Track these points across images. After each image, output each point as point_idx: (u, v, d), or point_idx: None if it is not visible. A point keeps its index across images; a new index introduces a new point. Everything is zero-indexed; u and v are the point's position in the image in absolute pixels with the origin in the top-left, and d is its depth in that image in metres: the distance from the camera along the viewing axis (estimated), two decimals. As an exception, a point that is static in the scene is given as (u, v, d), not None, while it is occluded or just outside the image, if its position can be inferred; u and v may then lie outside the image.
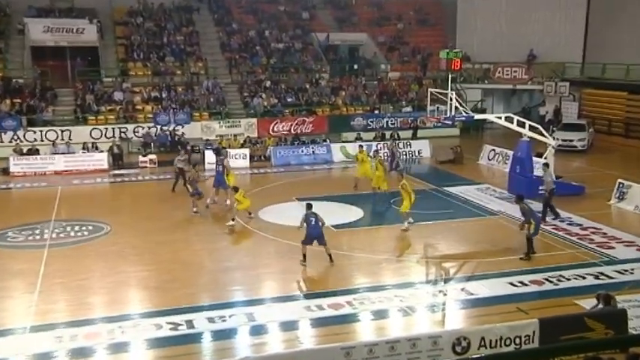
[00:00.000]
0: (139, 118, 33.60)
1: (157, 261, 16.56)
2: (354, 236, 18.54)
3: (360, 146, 27.41)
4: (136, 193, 24.88)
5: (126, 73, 36.30)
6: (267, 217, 20.41)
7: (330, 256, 16.12)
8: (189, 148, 30.96)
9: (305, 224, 16.08)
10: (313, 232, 15.98)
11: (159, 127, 32.86)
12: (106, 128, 32.23)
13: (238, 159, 29.07)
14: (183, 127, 33.13)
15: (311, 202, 17.02)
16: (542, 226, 17.65)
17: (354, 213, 20.80)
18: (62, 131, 31.29)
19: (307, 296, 14.22)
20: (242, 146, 28.24)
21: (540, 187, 20.75)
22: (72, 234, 18.88)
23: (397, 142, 29.07)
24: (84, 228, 19.41)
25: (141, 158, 29.63)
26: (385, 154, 24.81)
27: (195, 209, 20.98)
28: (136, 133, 32.66)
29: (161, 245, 17.75)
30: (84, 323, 12.94)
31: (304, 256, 16.02)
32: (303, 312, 13.35)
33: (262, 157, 30.79)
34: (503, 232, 18.71)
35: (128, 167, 29.05)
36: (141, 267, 16.19)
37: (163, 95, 34.91)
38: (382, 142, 31.75)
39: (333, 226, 19.25)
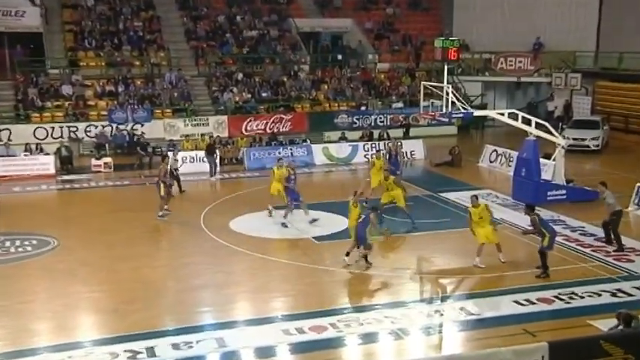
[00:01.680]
0: (92, 115, 33.41)
1: (113, 280, 16.44)
2: (339, 249, 18.53)
3: (378, 151, 26.65)
4: (88, 201, 24.70)
5: (75, 64, 36.08)
6: (240, 229, 20.37)
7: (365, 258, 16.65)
8: (150, 150, 30.90)
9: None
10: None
11: (114, 125, 32.71)
12: (53, 127, 32.01)
13: (193, 162, 28.64)
14: (142, 125, 33.00)
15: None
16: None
17: (338, 223, 20.80)
18: (0, 130, 30.99)
19: (286, 318, 14.19)
20: (209, 147, 28.07)
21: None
22: (12, 250, 18.69)
23: (398, 142, 28.80)
24: (26, 243, 19.21)
25: (94, 162, 29.46)
26: (384, 156, 24.43)
27: (163, 211, 21.50)
28: (88, 133, 32.50)
29: (118, 261, 17.63)
30: (26, 354, 12.76)
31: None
32: (281, 336, 13.33)
33: (234, 160, 30.73)
34: (507, 244, 18.79)
35: (79, 172, 28.85)
36: (94, 287, 16.05)
37: (120, 89, 34.74)
38: (370, 142, 31.87)
39: (314, 237, 19.27)
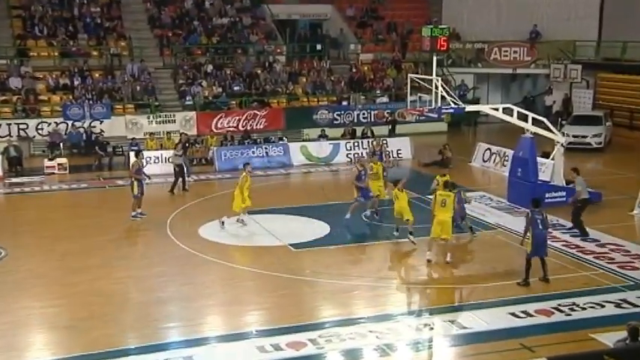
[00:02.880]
0: (44, 111, 33.21)
1: (68, 293, 16.30)
2: (319, 257, 18.53)
3: (374, 154, 25.62)
4: (40, 207, 24.49)
5: (25, 54, 35.81)
6: (210, 235, 20.30)
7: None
8: (109, 149, 30.73)
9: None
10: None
11: (70, 123, 32.51)
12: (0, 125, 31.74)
13: (158, 163, 28.64)
14: (101, 123, 32.82)
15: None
16: (551, 242, 17.95)
17: (319, 228, 20.82)
18: (-62, 128, 30.83)
19: (261, 333, 14.15)
20: (176, 147, 27.98)
21: (570, 198, 20.84)
22: (-43, 260, 18.50)
23: (383, 140, 28.81)
24: (-28, 252, 19.04)
25: (47, 163, 29.22)
26: (368, 155, 24.44)
27: (136, 212, 21.97)
28: (40, 131, 32.30)
29: (74, 273, 17.50)
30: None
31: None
32: (256, 353, 13.29)
33: (203, 161, 30.63)
34: (502, 251, 18.93)
35: (30, 174, 28.63)
36: (48, 301, 15.91)
37: (75, 83, 34.53)
38: (353, 141, 31.92)
39: (292, 245, 19.27)
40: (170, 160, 26.95)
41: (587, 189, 20.38)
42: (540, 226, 16.27)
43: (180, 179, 25.76)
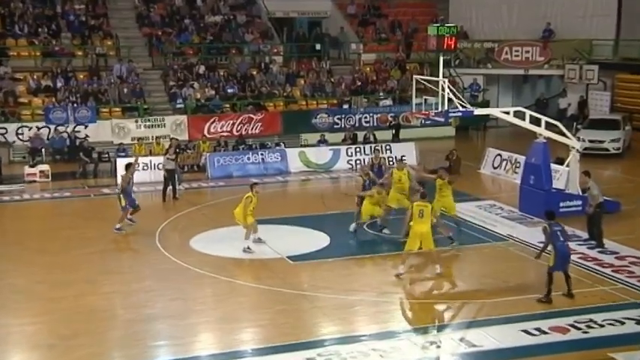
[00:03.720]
0: (25, 115, 33.25)
1: (51, 309, 16.25)
2: (318, 271, 18.50)
3: (400, 160, 25.11)
4: (20, 217, 24.48)
5: (4, 54, 35.85)
6: (202, 247, 20.26)
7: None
8: (94, 156, 30.70)
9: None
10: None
11: (52, 127, 32.51)
12: (-24, 129, 31.84)
13: (147, 170, 28.57)
14: (86, 127, 32.84)
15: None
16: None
17: (318, 240, 20.79)
18: None
19: (256, 352, 14.11)
20: (167, 151, 27.92)
21: (587, 205, 20.85)
22: None
23: (379, 151, 28.64)
24: (-52, 266, 19.01)
25: (27, 170, 29.19)
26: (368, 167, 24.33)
27: (125, 223, 21.90)
28: (20, 136, 32.29)
29: (57, 288, 17.46)
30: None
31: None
32: (251, 374, 13.26)
33: (195, 167, 30.61)
34: (514, 264, 18.90)
35: (9, 182, 28.61)
36: (28, 318, 15.86)
37: (58, 84, 34.55)
38: (355, 146, 31.93)
39: (289, 257, 19.24)
40: (161, 165, 26.84)
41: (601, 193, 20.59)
42: (562, 238, 16.22)
43: (170, 186, 25.74)
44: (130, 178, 22.38)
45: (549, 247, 16.36)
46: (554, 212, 17.04)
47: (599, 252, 19.53)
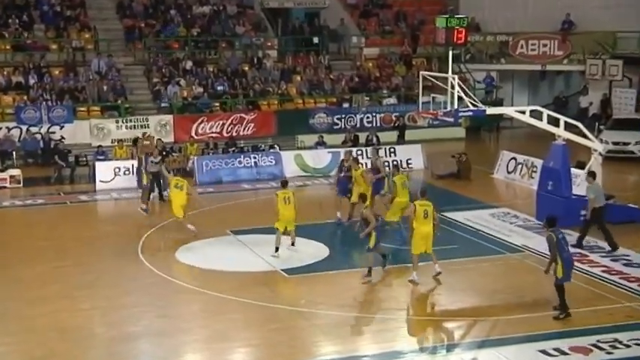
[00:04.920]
0: (-6, 114, 33.22)
1: (23, 328, 16.25)
2: (316, 285, 18.52)
3: (395, 166, 25.67)
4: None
5: (-29, 48, 35.92)
6: (188, 259, 20.29)
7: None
8: (71, 159, 30.68)
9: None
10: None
11: (24, 128, 32.51)
12: (-59, 130, 31.89)
13: (128, 175, 28.68)
14: (62, 128, 32.86)
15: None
16: (578, 264, 18.01)
17: (316, 251, 20.80)
18: None
19: (248, 375, 14.14)
20: (152, 153, 27.80)
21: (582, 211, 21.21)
22: None
23: (379, 152, 28.63)
24: None
25: (-3, 174, 29.23)
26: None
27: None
28: (-11, 138, 32.28)
29: (30, 304, 17.44)
30: None
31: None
32: (243, 398, 13.27)
33: (181, 172, 30.59)
34: (530, 277, 18.91)
35: (-23, 188, 28.61)
36: (-1, 337, 15.88)
37: (31, 81, 34.59)
38: (356, 149, 31.91)
39: (285, 270, 19.24)
40: (146, 168, 26.83)
41: (602, 196, 20.98)
42: (566, 247, 16.38)
43: (158, 188, 26.09)
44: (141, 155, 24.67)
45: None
46: (556, 218, 16.84)
47: (625, 264, 19.56)
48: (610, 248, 20.53)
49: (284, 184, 21.08)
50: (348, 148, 29.03)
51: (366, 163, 30.27)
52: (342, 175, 23.77)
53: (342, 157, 26.02)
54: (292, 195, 20.33)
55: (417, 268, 18.33)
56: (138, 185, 26.02)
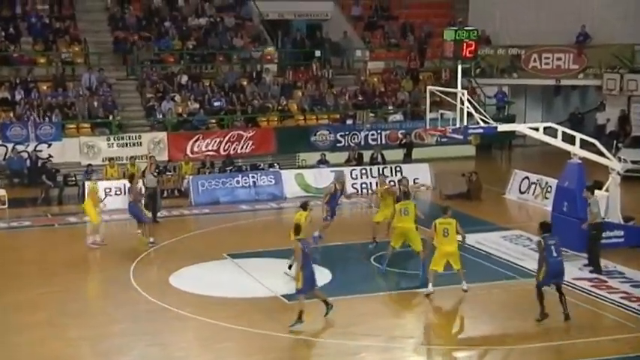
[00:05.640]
0: (-22, 132, 33.23)
1: (8, 357, 16.19)
2: (318, 311, 18.47)
3: (405, 193, 23.78)
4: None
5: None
6: (183, 285, 20.24)
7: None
8: (59, 179, 30.67)
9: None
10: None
11: (10, 146, 32.52)
12: None
13: (120, 195, 28.82)
14: (50, 146, 32.86)
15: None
16: (595, 290, 17.98)
17: (318, 275, 20.71)
18: None
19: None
20: (150, 168, 27.70)
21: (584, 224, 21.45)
22: None
23: (385, 176, 28.19)
24: None
25: (-20, 195, 29.23)
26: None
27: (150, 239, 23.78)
28: (-26, 156, 32.31)
29: (15, 332, 17.41)
30: None
31: (301, 313, 16.64)
32: None
33: (176, 192, 30.61)
34: (546, 303, 18.85)
35: (-40, 210, 28.64)
36: (-18, 367, 15.84)
37: (17, 96, 34.61)
38: (360, 168, 31.92)
39: (285, 296, 19.20)
40: (145, 182, 26.95)
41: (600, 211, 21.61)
42: (555, 254, 17.20)
43: (151, 208, 25.94)
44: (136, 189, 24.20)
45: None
46: (550, 224, 18.13)
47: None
48: (592, 268, 20.87)
49: (304, 206, 21.06)
50: (338, 169, 29.34)
51: (371, 183, 30.56)
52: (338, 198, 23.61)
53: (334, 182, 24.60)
54: (303, 218, 20.26)
55: (432, 281, 18.88)
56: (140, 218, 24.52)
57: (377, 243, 22.69)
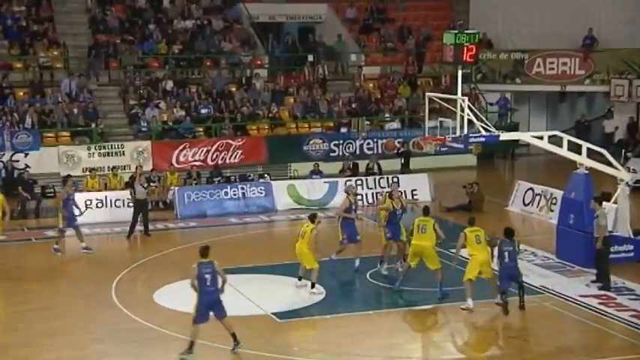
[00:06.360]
0: (-49, 140, 33.17)
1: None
2: (311, 330, 18.48)
3: (425, 208, 22.54)
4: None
5: None
6: (169, 302, 20.20)
7: (234, 336, 16.60)
8: (37, 190, 30.62)
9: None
10: (208, 297, 16.44)
11: (-16, 155, 32.48)
12: None
13: (102, 208, 28.98)
14: (26, 155, 32.80)
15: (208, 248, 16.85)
16: (603, 307, 18.01)
17: (310, 293, 20.75)
18: None
19: None
20: (139, 177, 27.79)
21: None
22: None
23: (398, 185, 27.71)
24: None
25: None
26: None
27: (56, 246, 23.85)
28: (-55, 166, 32.25)
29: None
30: None
31: (192, 344, 16.43)
32: None
33: (160, 204, 30.58)
34: (549, 322, 18.87)
35: None
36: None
37: (-9, 102, 34.54)
38: (355, 178, 31.90)
39: (275, 313, 19.16)
40: (118, 201, 26.98)
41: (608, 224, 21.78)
42: (507, 259, 18.88)
43: (142, 219, 26.34)
44: (67, 194, 24.49)
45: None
46: (514, 231, 19.79)
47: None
48: (600, 284, 20.83)
49: (312, 218, 21.10)
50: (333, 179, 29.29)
51: (367, 194, 30.61)
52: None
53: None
54: (309, 230, 20.45)
55: (471, 295, 19.13)
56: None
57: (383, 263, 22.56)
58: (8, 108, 34.26)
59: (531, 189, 29.83)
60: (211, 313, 16.53)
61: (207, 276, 16.38)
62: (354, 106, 38.60)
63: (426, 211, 20.93)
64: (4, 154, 32.58)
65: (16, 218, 28.99)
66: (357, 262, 22.33)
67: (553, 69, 40.58)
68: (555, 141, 23.34)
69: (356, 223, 22.67)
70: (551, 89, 41.57)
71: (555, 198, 27.48)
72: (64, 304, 20.67)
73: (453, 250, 19.99)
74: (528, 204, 29.66)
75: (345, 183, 31.11)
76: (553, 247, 23.93)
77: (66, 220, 24.89)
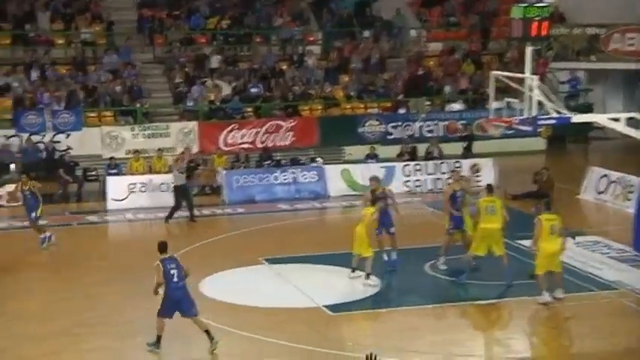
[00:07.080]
0: (-10, 120, 33.60)
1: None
2: (366, 325, 18.45)
3: (489, 186, 22.99)
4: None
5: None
6: (215, 293, 20.27)
7: (207, 332, 16.58)
8: (79, 173, 30.88)
9: (164, 281, 16.55)
10: (175, 294, 16.49)
11: (25, 136, 32.84)
12: None
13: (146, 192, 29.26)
14: (68, 136, 33.15)
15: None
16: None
17: (365, 284, 20.71)
18: None
19: None
20: (177, 162, 27.95)
21: None
22: None
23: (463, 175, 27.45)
24: None
25: (-10, 190, 29.55)
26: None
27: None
28: (-16, 147, 32.68)
29: (28, 342, 17.52)
30: None
31: (159, 338, 16.59)
32: None
33: (207, 189, 30.72)
34: (625, 320, 18.67)
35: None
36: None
37: (33, 79, 34.85)
38: (414, 163, 31.77)
39: (328, 306, 19.15)
40: (164, 185, 27.11)
41: None
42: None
43: (186, 206, 26.60)
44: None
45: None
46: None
47: None
48: None
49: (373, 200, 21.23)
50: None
51: (427, 180, 30.49)
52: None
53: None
54: (369, 214, 20.53)
55: (546, 287, 18.76)
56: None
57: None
58: (51, 85, 34.59)
59: (606, 175, 29.53)
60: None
61: (174, 271, 16.51)
62: (414, 85, 38.34)
63: (489, 189, 20.86)
64: (44, 135, 32.92)
65: (58, 202, 29.41)
66: (394, 255, 21.94)
67: (632, 45, 39.91)
68: (633, 124, 23.01)
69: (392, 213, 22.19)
70: (629, 67, 40.91)
71: (632, 185, 27.20)
72: (103, 292, 20.80)
73: (521, 242, 19.84)
74: (602, 192, 29.36)
75: (403, 168, 31.22)
76: (630, 239, 23.60)
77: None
